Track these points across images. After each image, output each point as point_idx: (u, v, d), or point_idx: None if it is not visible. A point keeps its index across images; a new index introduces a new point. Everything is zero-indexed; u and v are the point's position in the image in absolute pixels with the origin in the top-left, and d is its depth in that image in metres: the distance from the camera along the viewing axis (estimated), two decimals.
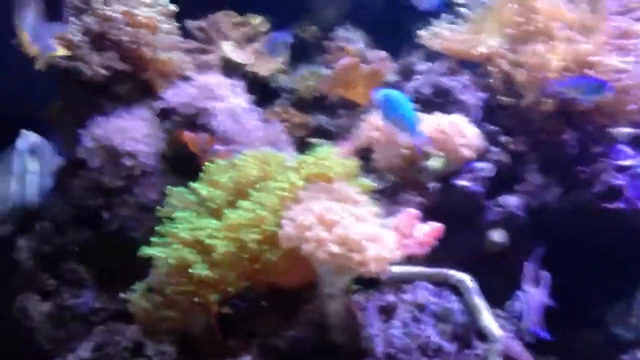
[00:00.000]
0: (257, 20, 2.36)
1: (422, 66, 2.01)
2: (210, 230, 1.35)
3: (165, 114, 1.85)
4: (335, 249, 1.22)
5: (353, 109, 2.13)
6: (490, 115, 1.86)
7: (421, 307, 1.49)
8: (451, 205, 1.72)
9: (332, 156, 1.42)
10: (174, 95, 1.82)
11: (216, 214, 1.42)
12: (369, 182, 1.48)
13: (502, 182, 1.79)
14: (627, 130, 1.83)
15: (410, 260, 1.43)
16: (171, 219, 1.43)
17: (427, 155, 1.68)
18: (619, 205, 1.73)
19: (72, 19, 1.78)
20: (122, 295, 1.46)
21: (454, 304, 1.51)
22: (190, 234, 1.36)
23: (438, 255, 1.54)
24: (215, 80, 1.86)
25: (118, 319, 1.72)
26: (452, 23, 2.01)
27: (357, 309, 1.45)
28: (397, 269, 1.49)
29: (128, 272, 1.53)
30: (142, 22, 1.83)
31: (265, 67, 2.26)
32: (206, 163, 1.49)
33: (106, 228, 1.77)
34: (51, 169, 1.63)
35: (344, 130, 2.12)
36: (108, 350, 1.68)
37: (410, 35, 2.16)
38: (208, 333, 1.45)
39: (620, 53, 1.76)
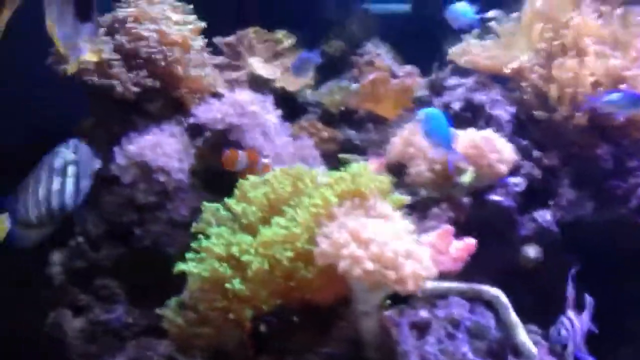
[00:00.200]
0: (284, 35, 2.38)
1: (452, 81, 2.00)
2: (245, 246, 1.35)
3: (196, 131, 1.86)
4: (371, 266, 1.22)
5: (381, 123, 2.13)
6: (521, 130, 1.85)
7: (455, 323, 1.48)
8: (484, 220, 1.70)
9: (366, 172, 1.42)
10: (205, 112, 1.83)
11: (250, 230, 1.43)
12: (401, 197, 1.48)
13: (534, 196, 1.78)
14: None
15: (442, 275, 1.42)
16: (205, 235, 1.44)
17: (460, 171, 1.67)
18: None
19: (105, 37, 1.81)
20: (157, 310, 1.47)
21: (488, 320, 1.50)
22: (225, 249, 1.37)
23: (470, 270, 1.53)
24: (246, 96, 1.87)
25: (150, 334, 1.73)
26: (481, 37, 2.01)
27: (391, 325, 1.44)
28: (429, 285, 1.49)
29: (160, 287, 1.54)
30: (174, 40, 1.85)
31: (293, 83, 2.27)
32: (240, 179, 1.50)
33: (139, 244, 1.78)
34: (89, 171, 1.67)
35: (371, 145, 2.12)
36: None
37: (439, 50, 2.16)
38: (241, 349, 1.45)
39: None
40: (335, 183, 1.39)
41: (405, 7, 2.67)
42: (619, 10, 1.83)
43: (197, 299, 1.41)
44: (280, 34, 2.38)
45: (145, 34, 1.81)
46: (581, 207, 1.78)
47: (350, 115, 2.21)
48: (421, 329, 1.46)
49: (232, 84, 2.11)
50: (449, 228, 1.49)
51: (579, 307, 1.47)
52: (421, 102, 2.01)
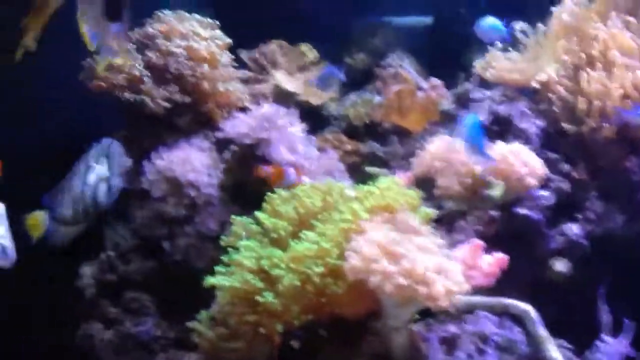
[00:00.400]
0: (307, 49, 2.40)
1: (478, 94, 2.00)
2: (276, 260, 1.36)
3: (223, 145, 1.88)
4: (402, 281, 1.22)
5: (406, 136, 2.13)
6: (549, 143, 1.84)
7: (484, 338, 1.47)
8: (512, 233, 1.70)
9: (395, 186, 1.42)
10: (233, 126, 1.85)
11: (279, 244, 1.44)
12: (429, 210, 1.48)
13: (563, 210, 1.77)
14: None
15: (473, 290, 1.41)
16: (235, 248, 1.45)
17: (489, 184, 1.67)
18: None
19: (136, 54, 1.84)
20: (188, 324, 1.48)
21: (517, 334, 1.49)
22: (256, 262, 1.38)
23: (498, 284, 1.52)
24: (272, 110, 1.89)
25: (179, 347, 1.75)
26: (506, 50, 2.01)
27: (421, 340, 1.44)
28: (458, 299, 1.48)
29: (189, 301, 1.56)
30: (202, 55, 1.88)
31: (317, 96, 2.28)
32: (269, 194, 1.51)
33: (168, 257, 1.80)
34: (121, 169, 1.72)
35: (396, 158, 2.12)
36: None
37: (463, 62, 2.16)
38: None
39: None
40: (364, 197, 1.40)
41: (427, 20, 2.68)
42: None
43: (227, 313, 1.42)
44: (303, 47, 2.39)
45: (175, 50, 1.84)
46: (611, 221, 1.77)
47: (374, 128, 2.21)
48: (450, 344, 1.46)
49: (257, 98, 2.13)
50: (479, 243, 1.48)
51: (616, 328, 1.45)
52: (447, 116, 2.01)
